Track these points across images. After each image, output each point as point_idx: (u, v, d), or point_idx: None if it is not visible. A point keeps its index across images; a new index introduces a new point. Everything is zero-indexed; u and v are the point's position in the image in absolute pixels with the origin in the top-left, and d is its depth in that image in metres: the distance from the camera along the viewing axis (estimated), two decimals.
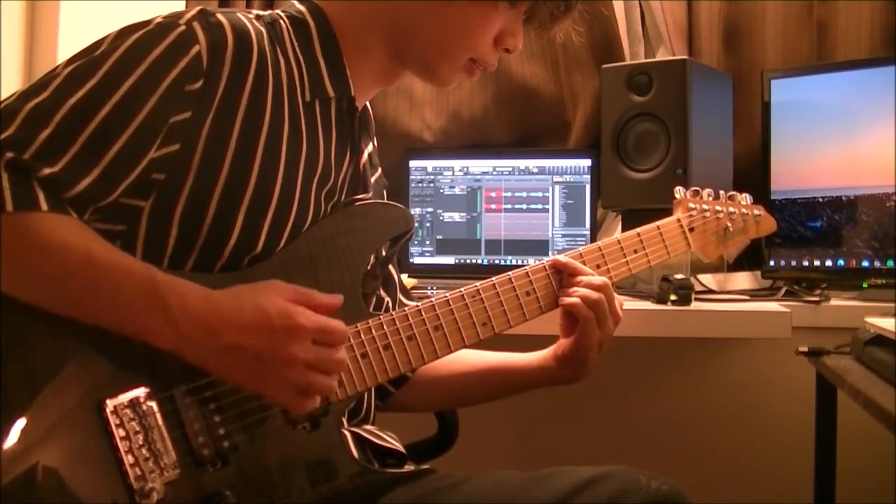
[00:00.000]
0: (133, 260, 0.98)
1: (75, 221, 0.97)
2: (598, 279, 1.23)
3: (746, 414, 1.90)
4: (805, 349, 1.45)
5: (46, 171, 0.94)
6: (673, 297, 1.57)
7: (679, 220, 1.35)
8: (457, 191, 2.09)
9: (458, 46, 1.14)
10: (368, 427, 1.21)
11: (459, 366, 1.33)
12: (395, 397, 1.33)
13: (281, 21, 1.13)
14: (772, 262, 1.86)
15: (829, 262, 1.80)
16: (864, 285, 1.80)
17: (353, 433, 1.15)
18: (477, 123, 2.23)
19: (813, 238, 1.82)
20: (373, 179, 1.26)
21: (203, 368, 0.98)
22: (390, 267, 1.32)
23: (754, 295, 1.83)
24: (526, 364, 1.31)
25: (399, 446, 1.21)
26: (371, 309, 1.20)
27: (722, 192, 1.43)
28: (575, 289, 1.22)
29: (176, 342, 0.96)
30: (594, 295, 1.21)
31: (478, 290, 1.17)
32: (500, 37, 1.15)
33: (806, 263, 1.83)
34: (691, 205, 1.37)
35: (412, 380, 1.33)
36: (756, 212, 1.45)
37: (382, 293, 1.28)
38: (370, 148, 1.26)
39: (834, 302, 1.79)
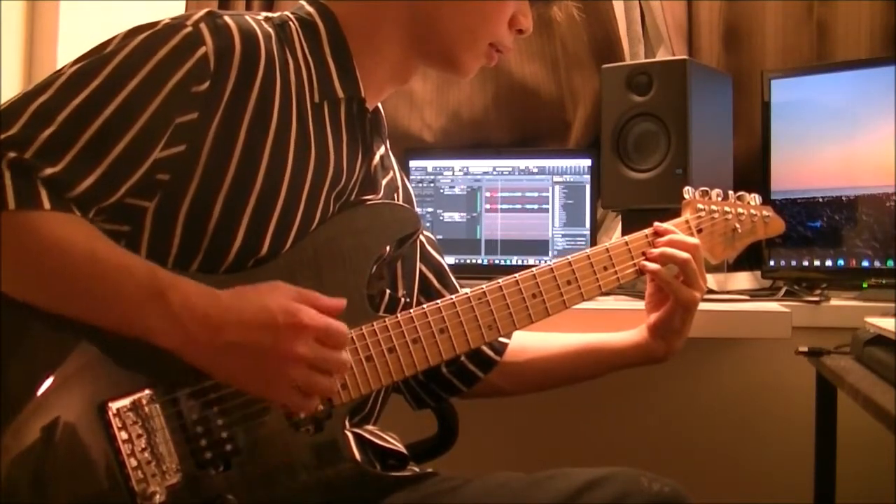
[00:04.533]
0: (136, 258, 0.98)
1: (78, 219, 0.96)
2: (691, 240, 1.29)
3: (746, 414, 1.90)
4: (805, 349, 1.45)
5: (48, 170, 0.94)
6: None
7: (687, 222, 1.36)
8: (457, 191, 2.09)
9: (480, 33, 1.17)
10: (370, 427, 1.21)
11: (552, 348, 1.34)
12: (485, 382, 1.34)
13: (290, 23, 1.14)
14: (772, 262, 1.86)
15: (829, 262, 1.80)
16: (864, 285, 1.80)
17: (354, 434, 1.15)
18: (477, 123, 2.22)
19: (813, 238, 1.82)
20: (384, 182, 1.26)
21: (204, 369, 0.98)
22: (440, 259, 1.35)
23: (754, 295, 1.83)
24: (620, 342, 1.33)
25: (401, 447, 1.21)
26: (383, 310, 1.21)
27: (731, 192, 1.43)
28: (664, 249, 1.28)
29: (178, 341, 0.95)
30: (681, 255, 1.27)
31: (483, 292, 1.17)
32: (512, 18, 1.19)
33: (806, 263, 1.83)
34: (700, 205, 1.37)
35: (502, 363, 1.34)
36: (765, 213, 1.45)
37: (401, 294, 1.28)
38: (382, 150, 1.26)
39: (834, 302, 1.79)
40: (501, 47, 1.20)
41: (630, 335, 1.34)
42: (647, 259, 1.29)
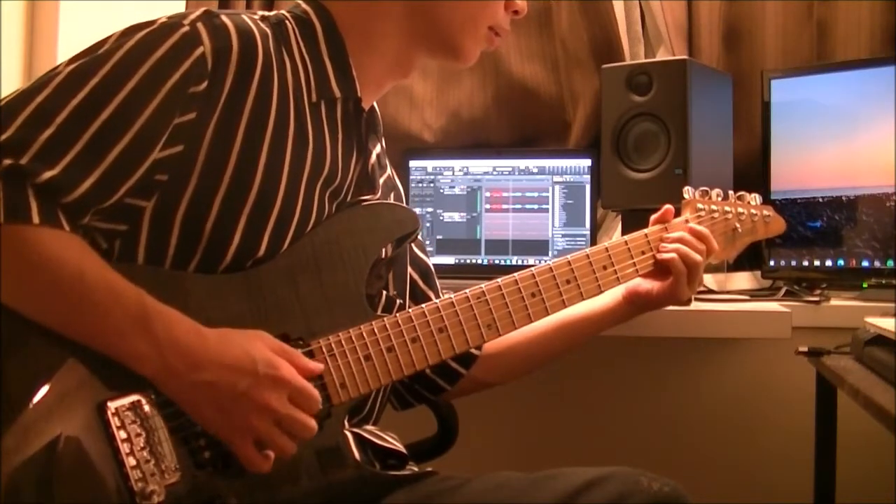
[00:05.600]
0: (125, 282, 0.97)
1: (69, 236, 0.96)
2: (701, 245, 1.33)
3: (746, 414, 1.90)
4: (805, 349, 1.45)
5: (46, 174, 0.94)
6: None
7: (687, 221, 1.36)
8: (457, 191, 2.09)
9: (479, 17, 1.19)
10: (369, 427, 1.21)
11: (528, 331, 1.33)
12: (468, 377, 1.34)
13: (287, 22, 1.14)
14: (772, 262, 1.86)
15: (829, 262, 1.80)
16: (864, 285, 1.80)
17: (354, 434, 1.15)
18: (477, 123, 2.22)
19: (813, 238, 1.82)
20: (381, 180, 1.26)
21: (175, 400, 0.98)
22: (427, 260, 1.34)
23: (754, 295, 1.83)
24: (594, 311, 1.35)
25: (400, 447, 1.21)
26: (380, 310, 1.20)
27: (731, 192, 1.43)
28: (679, 247, 1.30)
29: (156, 370, 0.96)
30: (695, 257, 1.30)
31: (483, 291, 1.17)
32: (508, 1, 1.21)
33: (806, 263, 1.83)
34: (700, 205, 1.38)
35: (482, 356, 1.34)
36: (765, 212, 1.45)
37: (392, 293, 1.27)
38: (378, 149, 1.26)
39: (834, 302, 1.79)
40: (500, 30, 1.22)
41: (603, 302, 1.35)
42: (663, 252, 1.31)
